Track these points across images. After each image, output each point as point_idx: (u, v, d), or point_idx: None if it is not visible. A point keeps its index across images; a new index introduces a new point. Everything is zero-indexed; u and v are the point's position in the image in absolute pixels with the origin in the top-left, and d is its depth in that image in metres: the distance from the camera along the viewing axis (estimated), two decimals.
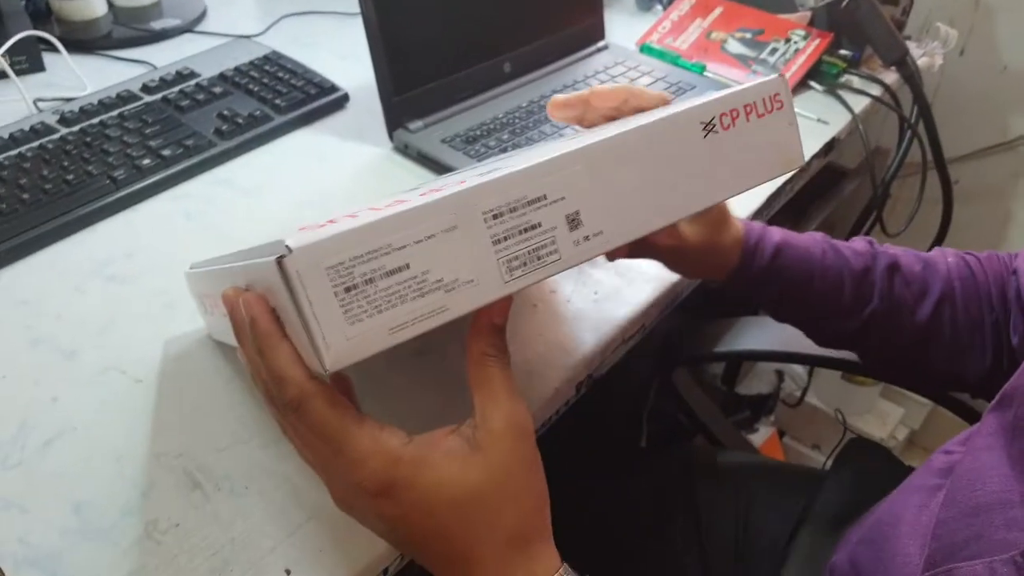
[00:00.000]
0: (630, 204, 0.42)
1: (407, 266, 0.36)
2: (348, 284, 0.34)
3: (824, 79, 1.02)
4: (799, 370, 1.55)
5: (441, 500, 0.38)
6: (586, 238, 0.41)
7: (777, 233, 0.62)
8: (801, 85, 1.01)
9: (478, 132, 0.85)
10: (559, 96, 0.59)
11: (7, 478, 0.52)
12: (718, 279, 0.64)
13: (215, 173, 0.81)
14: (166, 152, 0.79)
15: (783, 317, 0.66)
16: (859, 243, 0.64)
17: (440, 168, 0.81)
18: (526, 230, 0.39)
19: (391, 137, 0.85)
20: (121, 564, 0.47)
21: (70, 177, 0.75)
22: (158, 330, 0.63)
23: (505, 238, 0.38)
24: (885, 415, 1.64)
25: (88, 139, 0.80)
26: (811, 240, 0.63)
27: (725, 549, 0.72)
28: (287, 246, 0.33)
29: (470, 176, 0.43)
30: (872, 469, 0.74)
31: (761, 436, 1.53)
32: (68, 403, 0.57)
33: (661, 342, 0.89)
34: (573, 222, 0.40)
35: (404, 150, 0.84)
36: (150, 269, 0.69)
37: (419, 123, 0.85)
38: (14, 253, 0.69)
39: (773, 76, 0.47)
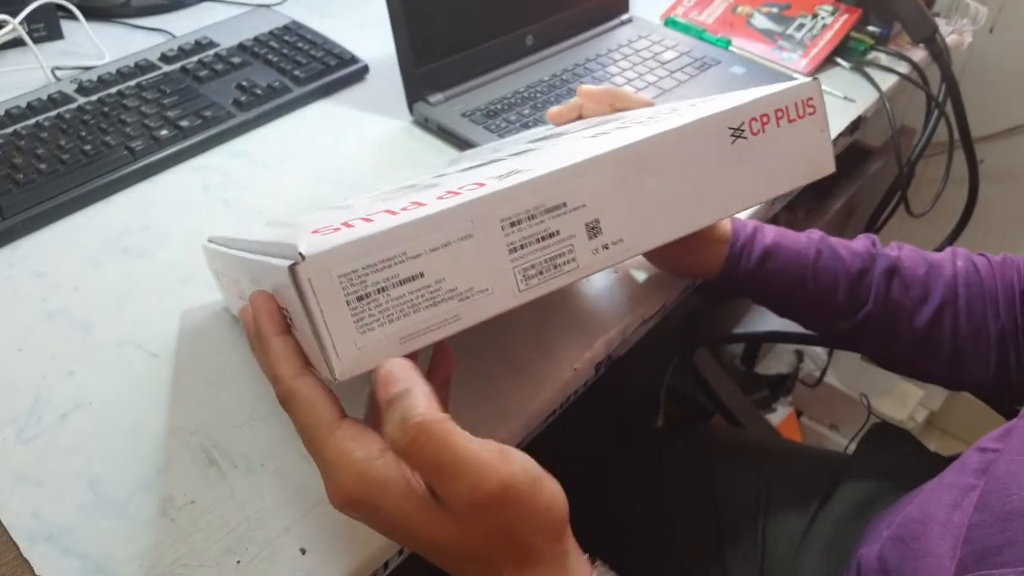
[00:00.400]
0: (652, 212, 0.41)
1: (421, 275, 0.35)
2: (360, 293, 0.34)
3: (851, 56, 0.99)
4: (819, 350, 1.53)
5: (413, 537, 0.35)
6: (605, 247, 0.40)
7: (769, 234, 0.61)
8: (827, 62, 0.99)
9: (499, 106, 0.83)
10: (554, 108, 0.64)
11: (23, 452, 0.51)
12: (704, 279, 0.64)
13: (233, 145, 0.80)
14: (184, 123, 0.78)
15: (781, 315, 0.65)
16: (860, 243, 0.62)
17: (460, 142, 0.80)
18: (544, 238, 0.38)
19: (411, 110, 0.84)
20: (135, 541, 0.47)
21: (87, 147, 0.74)
22: (174, 304, 0.62)
23: (522, 246, 0.37)
24: (905, 396, 1.62)
25: (106, 109, 0.79)
26: (806, 241, 0.61)
27: (743, 531, 0.72)
28: (300, 253, 0.32)
29: (488, 171, 0.41)
30: (897, 456, 0.73)
31: (779, 416, 1.52)
32: (84, 377, 0.56)
33: (682, 322, 0.88)
34: (593, 230, 0.39)
35: (424, 123, 0.83)
36: (167, 242, 0.68)
37: (439, 96, 0.84)
38: (31, 224, 0.68)
39: (806, 80, 0.45)
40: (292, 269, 0.33)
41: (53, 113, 0.78)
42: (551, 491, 0.35)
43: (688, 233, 0.42)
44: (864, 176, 1.19)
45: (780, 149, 0.44)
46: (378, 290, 0.34)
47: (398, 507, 0.34)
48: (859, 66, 0.98)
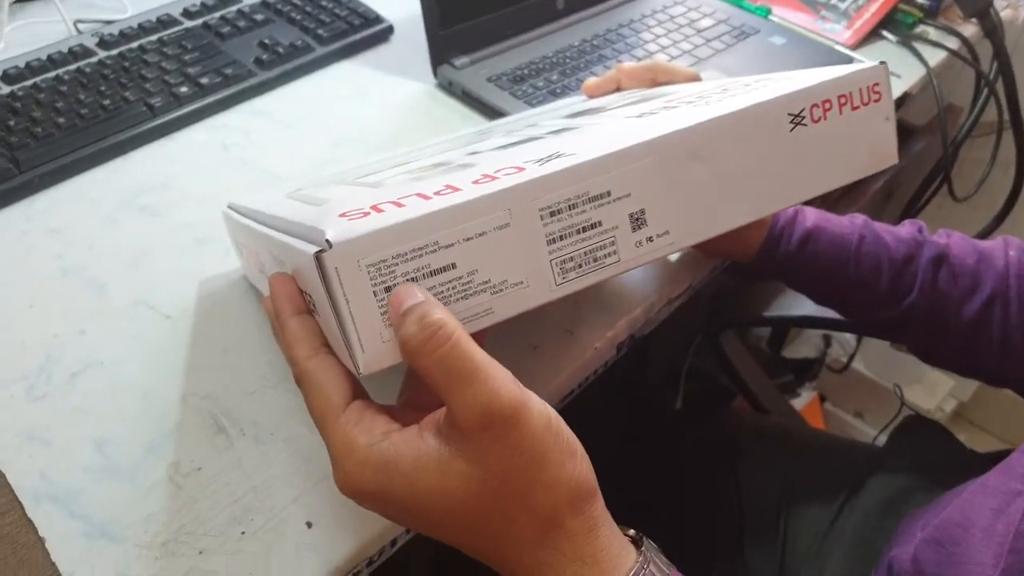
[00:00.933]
0: (701, 203, 0.38)
1: (453, 265, 0.33)
2: (389, 283, 0.32)
3: (898, 29, 0.95)
4: (847, 335, 1.50)
5: (428, 510, 0.33)
6: (649, 239, 0.37)
7: (811, 216, 0.58)
8: (872, 34, 0.95)
9: (526, 71, 0.81)
10: (590, 80, 0.62)
11: (32, 410, 0.51)
12: (739, 261, 0.61)
13: (254, 104, 0.78)
14: (204, 80, 0.76)
15: (818, 301, 0.63)
16: (906, 229, 0.59)
17: (484, 108, 0.77)
18: (584, 229, 0.35)
19: (435, 73, 0.81)
20: (140, 506, 0.46)
21: (107, 102, 0.73)
22: (190, 265, 0.61)
23: (561, 237, 0.35)
24: (934, 386, 1.59)
25: (126, 64, 0.77)
26: (848, 225, 0.59)
27: (764, 522, 0.70)
28: (327, 240, 0.31)
29: (527, 152, 0.39)
30: (931, 450, 0.70)
31: (802, 401, 1.50)
32: (96, 336, 0.55)
33: (709, 303, 0.85)
34: (637, 221, 0.37)
35: (448, 87, 0.81)
36: (184, 201, 0.67)
37: (465, 59, 0.81)
38: (48, 179, 0.67)
39: (874, 64, 0.42)
40: (318, 256, 0.31)
41: (73, 67, 0.77)
42: (568, 443, 0.33)
43: (738, 227, 0.40)
44: (906, 155, 1.15)
45: (841, 138, 0.41)
46: (408, 281, 0.32)
47: (406, 482, 0.32)
48: (906, 40, 0.94)
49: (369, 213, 0.33)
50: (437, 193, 0.34)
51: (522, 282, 0.35)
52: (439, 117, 0.78)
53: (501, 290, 0.34)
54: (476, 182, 0.34)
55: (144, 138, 0.72)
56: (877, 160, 0.43)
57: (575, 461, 0.33)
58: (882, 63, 0.42)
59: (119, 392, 0.52)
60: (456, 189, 0.34)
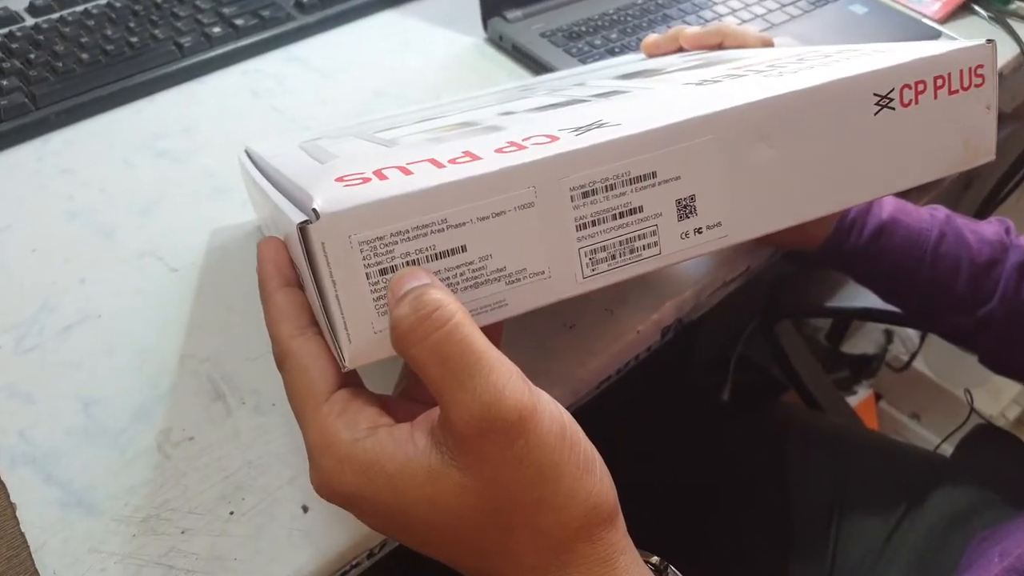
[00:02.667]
0: (762, 193, 0.32)
1: (463, 248, 0.28)
2: (385, 265, 0.27)
3: (991, 4, 0.87)
4: (911, 332, 1.41)
5: (413, 521, 0.28)
6: (698, 230, 0.32)
7: (887, 207, 0.52)
8: (963, 8, 0.87)
9: (583, 28, 0.74)
10: (650, 37, 0.56)
11: (19, 362, 0.47)
12: (807, 250, 0.55)
13: (290, 50, 0.73)
14: (239, 22, 0.72)
15: (885, 299, 0.56)
16: (992, 228, 0.53)
17: (536, 65, 0.71)
18: (622, 215, 0.30)
19: (485, 26, 0.75)
20: (123, 476, 0.42)
21: (134, 40, 0.68)
22: (204, 217, 0.56)
23: (594, 223, 0.29)
24: (998, 390, 1.49)
25: (159, 0, 0.73)
26: (928, 219, 0.52)
27: (813, 531, 0.64)
28: (314, 209, 0.25)
29: (565, 118, 0.33)
30: (1003, 463, 0.63)
31: (857, 398, 1.42)
32: (96, 287, 0.51)
33: (766, 289, 0.79)
34: (686, 209, 0.31)
35: (498, 41, 0.75)
36: (206, 148, 0.62)
37: (518, 13, 0.75)
38: (65, 117, 0.63)
39: (979, 42, 0.35)
40: (302, 228, 0.26)
41: (104, 1, 0.72)
42: (586, 456, 0.28)
43: (804, 222, 0.34)
44: None
45: (933, 126, 0.35)
46: (407, 263, 0.27)
47: (389, 488, 0.27)
48: (1000, 16, 0.86)
49: (370, 179, 0.27)
50: (452, 161, 0.28)
51: (543, 272, 0.30)
52: (486, 73, 0.72)
53: (518, 280, 0.29)
54: (500, 150, 0.29)
55: (171, 79, 0.68)
56: (972, 155, 0.37)
57: (593, 478, 0.27)
58: (990, 41, 0.35)
59: (113, 349, 0.48)
60: (476, 157, 0.28)
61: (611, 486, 0.28)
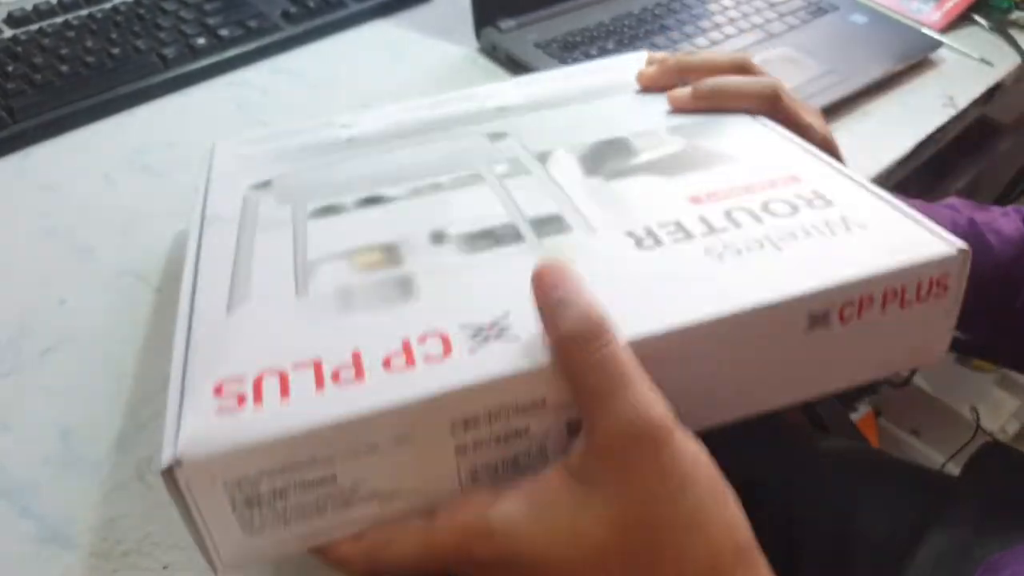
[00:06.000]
0: (678, 402, 0.28)
1: (333, 478, 0.27)
2: (250, 495, 0.27)
3: (992, 14, 0.87)
4: None
5: (553, 566, 0.27)
6: None
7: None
8: (964, 18, 0.86)
9: (579, 38, 0.73)
10: (647, 71, 0.49)
11: None
12: None
13: (277, 61, 0.71)
14: (224, 32, 0.70)
15: None
16: (1010, 223, 0.51)
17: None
18: (507, 438, 0.28)
19: (478, 36, 0.74)
20: (102, 508, 0.39)
21: (115, 51, 0.66)
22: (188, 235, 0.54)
23: (475, 447, 0.28)
24: (998, 406, 1.48)
25: (141, 11, 0.71)
26: (949, 213, 0.50)
27: (817, 557, 0.61)
28: (176, 458, 0.26)
29: (475, 294, 0.31)
30: (1012, 483, 0.61)
31: (856, 415, 1.40)
32: (75, 308, 0.49)
33: None
34: (577, 428, 0.28)
35: (491, 52, 0.73)
36: (189, 163, 0.60)
37: (512, 22, 0.73)
38: (43, 131, 0.61)
39: (948, 251, 0.31)
40: (166, 473, 0.26)
41: (84, 12, 0.71)
42: (720, 479, 0.27)
43: (727, 422, 0.32)
44: (991, 154, 1.05)
45: (876, 339, 0.32)
46: (274, 494, 0.27)
47: (538, 540, 0.27)
48: (1001, 26, 0.86)
49: (245, 399, 0.27)
50: (336, 376, 0.28)
51: (417, 489, 0.29)
52: (479, 84, 0.71)
53: (392, 497, 0.28)
54: (387, 362, 0.28)
55: (153, 92, 0.66)
56: (917, 358, 0.35)
57: (729, 500, 0.27)
58: (962, 250, 0.31)
59: (93, 373, 0.45)
60: (360, 373, 0.28)
61: (744, 514, 0.28)
